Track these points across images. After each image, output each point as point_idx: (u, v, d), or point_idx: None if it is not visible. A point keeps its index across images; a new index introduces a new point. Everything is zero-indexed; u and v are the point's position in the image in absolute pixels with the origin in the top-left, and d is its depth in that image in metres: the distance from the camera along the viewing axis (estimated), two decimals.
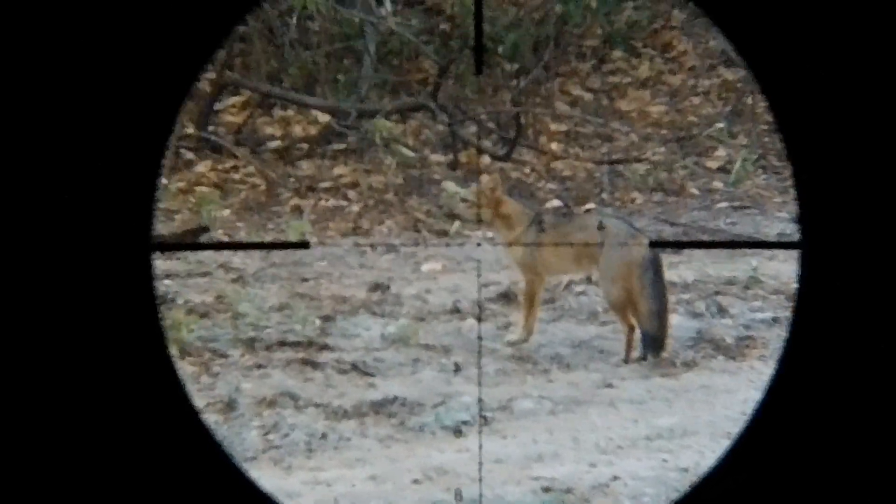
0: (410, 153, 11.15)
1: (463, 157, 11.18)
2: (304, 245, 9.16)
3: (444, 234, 10.00)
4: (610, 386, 7.11)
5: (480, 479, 5.81)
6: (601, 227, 7.61)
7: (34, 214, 4.55)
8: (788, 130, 4.52)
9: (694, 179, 11.05)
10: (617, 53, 13.07)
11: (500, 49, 12.01)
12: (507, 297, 8.41)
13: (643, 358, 7.43)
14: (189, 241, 9.64)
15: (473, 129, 11.81)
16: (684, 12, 13.14)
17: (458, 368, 7.17)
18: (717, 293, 8.37)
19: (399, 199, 10.69)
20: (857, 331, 4.52)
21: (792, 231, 9.86)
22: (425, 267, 9.30)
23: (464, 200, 7.83)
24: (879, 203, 4.47)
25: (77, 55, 4.54)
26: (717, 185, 10.97)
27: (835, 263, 4.50)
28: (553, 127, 12.02)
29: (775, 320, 7.96)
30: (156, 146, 4.62)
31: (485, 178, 8.26)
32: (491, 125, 11.82)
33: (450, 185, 10.71)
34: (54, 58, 4.55)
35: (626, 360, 7.45)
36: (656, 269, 7.52)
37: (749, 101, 12.12)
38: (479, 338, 7.59)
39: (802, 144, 4.50)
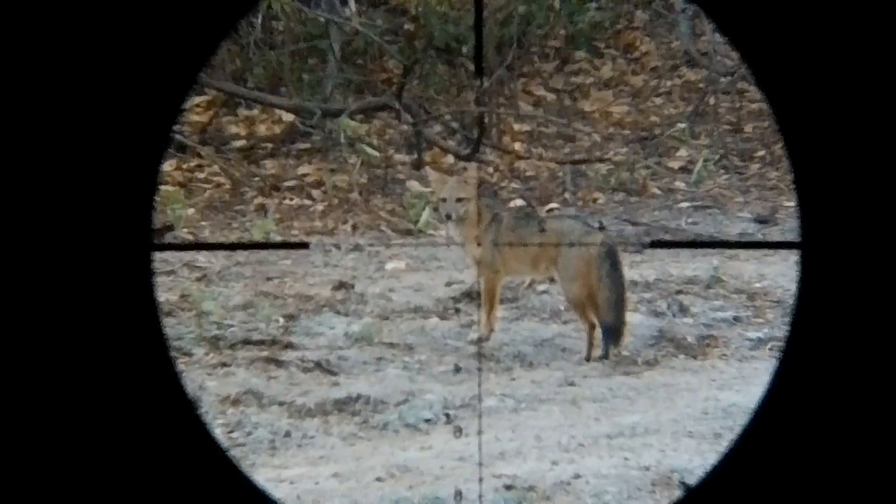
0: (375, 152, 11.17)
1: (427, 157, 11.22)
2: (303, 245, 9.17)
3: (409, 233, 10.03)
4: (572, 384, 7.15)
5: (481, 480, 5.84)
6: (542, 230, 7.66)
7: (34, 214, 4.57)
8: (788, 131, 4.57)
9: (656, 179, 11.11)
10: (580, 54, 13.13)
11: (463, 49, 12.03)
12: (470, 295, 8.43)
13: (605, 356, 7.47)
14: (155, 240, 9.64)
15: (438, 128, 11.85)
16: (647, 13, 13.20)
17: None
18: (679, 292, 8.41)
19: (363, 199, 10.71)
20: (857, 330, 4.57)
21: (753, 231, 9.93)
22: (389, 265, 9.33)
23: (458, 200, 7.79)
24: (879, 203, 4.52)
25: (77, 57, 4.56)
26: (679, 184, 11.03)
27: (835, 263, 4.55)
28: (516, 127, 12.07)
29: (736, 319, 8.01)
30: (155, 146, 4.65)
31: (469, 167, 8.29)
32: (455, 125, 11.86)
33: (414, 185, 10.76)
34: (54, 59, 4.56)
35: (588, 359, 7.50)
36: (613, 260, 7.56)
37: (711, 101, 12.19)
38: (479, 340, 7.68)
39: (802, 145, 4.55)
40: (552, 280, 8.09)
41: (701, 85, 12.64)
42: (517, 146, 11.77)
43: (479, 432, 6.40)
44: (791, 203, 10.38)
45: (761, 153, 11.45)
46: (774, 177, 11.04)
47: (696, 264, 8.91)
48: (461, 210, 7.74)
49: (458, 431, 6.55)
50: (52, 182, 4.57)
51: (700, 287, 8.51)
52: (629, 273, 7.91)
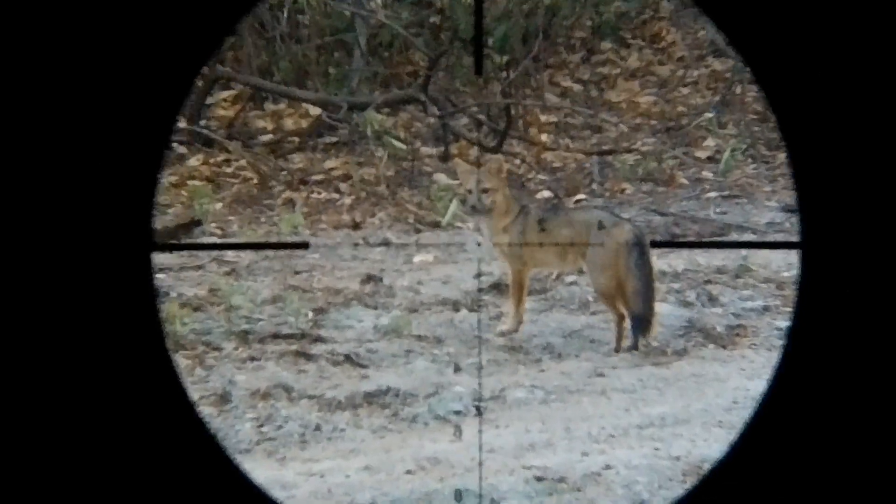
0: (402, 145, 11.18)
1: (454, 150, 11.22)
2: (303, 245, 9.20)
3: (437, 225, 10.03)
4: (601, 375, 7.14)
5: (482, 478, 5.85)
6: (601, 228, 7.65)
7: (34, 213, 4.57)
8: (788, 131, 4.56)
9: (683, 169, 11.08)
10: (606, 45, 13.11)
11: (489, 41, 12.03)
12: (499, 287, 8.44)
13: (634, 347, 7.47)
14: (183, 235, 9.68)
15: (464, 121, 11.85)
16: (672, 3, 13.17)
17: (457, 368, 7.19)
18: (708, 282, 8.40)
19: (391, 192, 10.72)
20: (857, 329, 4.56)
21: (782, 220, 9.90)
22: (417, 258, 9.34)
23: (484, 191, 7.79)
24: (879, 202, 4.51)
25: (77, 56, 4.56)
26: (707, 174, 11.00)
27: (835, 263, 4.54)
28: (543, 118, 12.07)
29: (766, 309, 8.00)
30: (155, 146, 4.65)
31: (493, 159, 8.27)
32: (481, 117, 11.84)
33: (441, 178, 10.77)
34: (54, 58, 4.57)
35: (617, 350, 7.50)
36: (641, 249, 7.55)
37: (738, 90, 12.16)
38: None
39: (802, 144, 4.54)
40: (581, 271, 8.08)
41: (727, 74, 12.60)
42: (544, 137, 11.77)
43: (479, 431, 6.42)
44: None
45: None
46: None
47: (725, 254, 8.88)
48: (487, 201, 7.74)
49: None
50: (52, 182, 4.57)
51: (729, 277, 8.50)
52: (657, 263, 7.89)
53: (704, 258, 8.86)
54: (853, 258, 4.54)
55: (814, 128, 4.53)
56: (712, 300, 8.10)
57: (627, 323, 7.52)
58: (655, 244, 9.26)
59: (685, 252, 9.00)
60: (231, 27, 4.88)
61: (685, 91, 12.52)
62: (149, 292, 4.71)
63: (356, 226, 10.14)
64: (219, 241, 9.93)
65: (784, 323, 7.73)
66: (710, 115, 11.75)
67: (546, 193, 10.66)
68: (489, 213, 7.79)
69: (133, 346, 4.68)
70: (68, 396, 4.64)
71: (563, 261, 7.85)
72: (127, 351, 4.67)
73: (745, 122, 11.76)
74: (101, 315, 4.63)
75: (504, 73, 12.08)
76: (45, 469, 4.66)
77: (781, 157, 11.20)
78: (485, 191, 7.75)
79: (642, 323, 7.50)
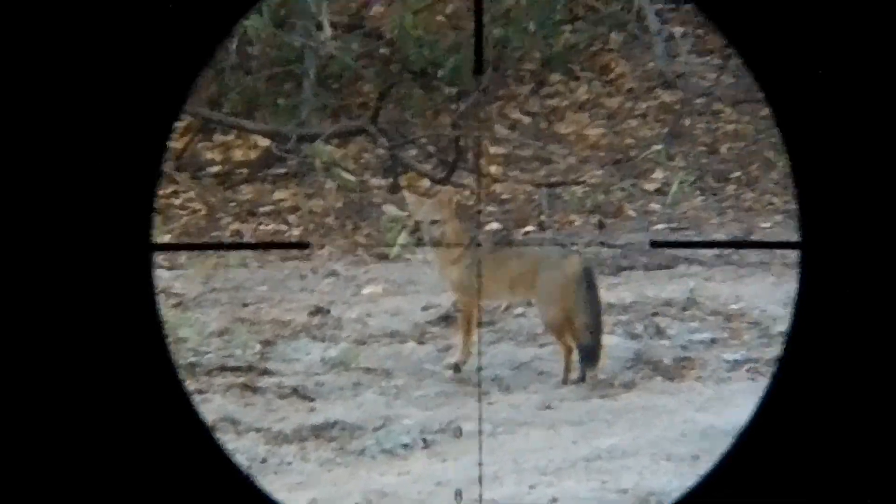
0: (351, 177, 11.16)
1: (403, 181, 11.21)
2: (304, 245, 9.17)
3: (385, 257, 10.01)
4: (549, 408, 7.15)
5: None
6: (520, 255, 7.72)
7: (35, 214, 4.58)
8: (788, 131, 4.58)
9: (631, 201, 11.10)
10: (555, 77, 13.12)
11: (439, 73, 12.03)
12: (448, 319, 8.43)
13: (582, 379, 7.47)
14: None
15: (414, 152, 11.85)
16: (622, 35, 13.21)
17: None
18: (655, 314, 8.41)
19: (339, 223, 10.69)
20: (857, 330, 4.58)
21: (729, 252, 9.92)
22: (366, 290, 9.31)
23: (433, 222, 7.79)
24: (879, 203, 4.53)
25: (77, 58, 4.57)
26: (655, 206, 11.02)
27: (834, 263, 4.56)
28: (492, 150, 12.06)
29: (713, 341, 8.02)
30: (155, 147, 4.66)
31: (444, 190, 8.27)
32: (431, 149, 11.84)
33: (391, 209, 10.75)
34: (54, 62, 4.57)
35: (565, 382, 7.50)
36: (590, 282, 7.59)
37: (686, 122, 12.20)
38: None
39: (802, 145, 4.56)
40: (529, 303, 8.08)
41: (676, 106, 12.63)
42: (493, 169, 11.76)
43: (480, 463, 6.41)
44: (766, 224, 10.40)
45: (737, 174, 11.45)
46: (750, 198, 11.05)
47: (673, 286, 8.91)
48: (436, 232, 7.73)
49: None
50: (52, 184, 4.59)
51: (676, 309, 8.52)
52: (605, 295, 7.90)
53: (652, 290, 8.87)
54: (853, 258, 4.56)
55: (814, 129, 4.55)
56: (660, 332, 8.12)
57: (575, 355, 7.52)
58: (655, 244, 9.32)
59: (633, 284, 9.02)
60: (231, 27, 4.88)
61: (634, 123, 12.54)
62: (149, 292, 4.74)
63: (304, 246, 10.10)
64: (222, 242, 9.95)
65: (732, 355, 7.76)
66: (658, 147, 11.79)
67: (495, 225, 10.66)
68: (438, 244, 7.78)
69: (132, 345, 4.70)
70: (67, 395, 4.68)
71: (512, 293, 7.87)
72: (126, 350, 4.70)
73: (693, 154, 11.79)
74: (101, 315, 4.67)
75: (454, 105, 12.07)
76: (45, 468, 4.69)
77: (730, 188, 11.24)
78: (434, 222, 7.75)
79: (590, 355, 7.51)
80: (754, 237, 10.19)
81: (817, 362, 4.64)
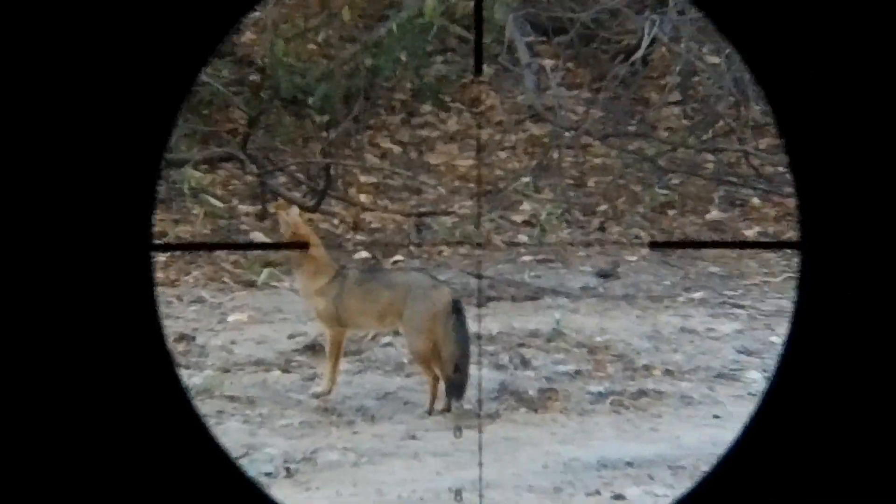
0: (219, 203, 11.10)
1: (272, 208, 11.16)
2: (304, 245, 9.14)
3: (252, 284, 9.95)
4: (414, 438, 7.14)
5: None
6: (389, 284, 7.76)
7: (34, 214, 4.56)
8: (788, 131, 4.62)
9: (500, 233, 11.17)
10: (426, 107, 13.19)
11: (310, 101, 12.02)
12: (314, 348, 8.40)
13: (447, 409, 7.49)
14: None
15: (283, 179, 11.82)
16: (493, 67, 13.29)
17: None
18: (521, 345, 8.46)
19: (207, 250, 10.61)
20: (857, 330, 4.62)
21: (596, 285, 10.01)
22: (231, 318, 9.25)
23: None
24: (879, 203, 4.58)
25: (77, 57, 4.56)
26: (523, 238, 11.10)
27: (834, 263, 4.60)
28: (362, 179, 12.07)
29: (577, 373, 8.07)
30: (155, 147, 4.64)
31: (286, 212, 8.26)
32: (300, 176, 11.83)
33: (258, 236, 10.71)
34: (54, 61, 4.55)
35: (430, 412, 7.50)
36: (458, 313, 7.60)
37: (555, 155, 12.30)
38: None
39: (802, 145, 4.60)
40: (396, 332, 8.09)
41: (545, 139, 12.75)
42: (363, 198, 11.77)
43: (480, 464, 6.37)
44: (633, 258, 10.52)
45: (603, 207, 11.59)
46: (616, 231, 11.17)
47: (539, 318, 8.97)
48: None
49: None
50: (52, 183, 4.58)
51: (542, 340, 8.57)
52: (472, 326, 7.93)
53: (519, 321, 8.92)
54: (852, 258, 4.61)
55: (813, 129, 4.60)
56: (525, 363, 8.16)
57: (441, 385, 7.53)
58: (655, 244, 9.36)
59: (500, 315, 9.07)
60: (230, 28, 4.87)
61: (503, 155, 12.63)
62: (149, 292, 4.72)
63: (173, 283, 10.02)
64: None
65: (596, 388, 7.82)
66: (527, 179, 11.87)
67: (364, 254, 10.66)
68: (300, 265, 7.79)
69: (132, 345, 4.70)
70: (67, 395, 4.67)
71: (380, 322, 7.86)
72: (126, 350, 4.69)
73: (561, 187, 11.90)
74: (100, 315, 4.65)
75: (324, 133, 12.06)
76: (45, 468, 4.67)
77: (596, 221, 11.36)
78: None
79: (456, 386, 7.53)
80: (620, 269, 10.29)
81: (817, 363, 4.69)
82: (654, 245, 8.33)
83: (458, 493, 5.98)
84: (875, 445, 4.72)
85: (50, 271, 4.61)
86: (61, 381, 4.65)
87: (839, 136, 4.63)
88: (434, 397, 7.53)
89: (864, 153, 4.63)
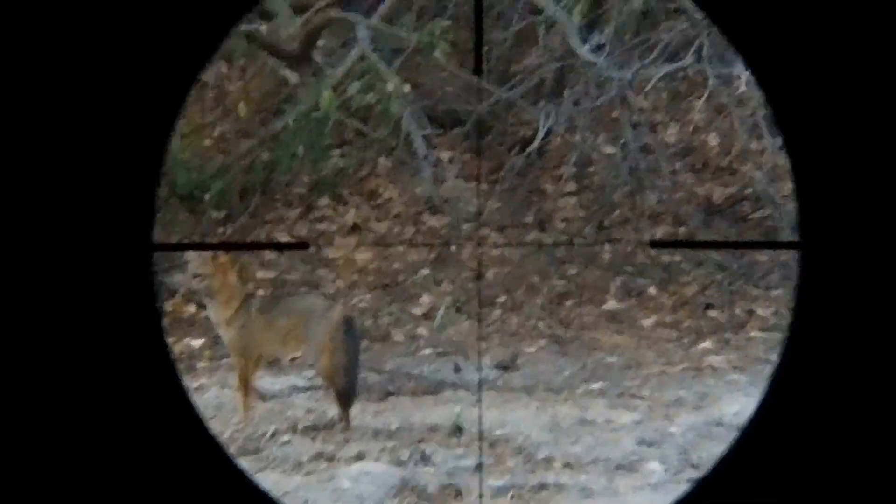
0: None
1: (168, 306, 11.08)
2: (304, 245, 9.12)
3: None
4: None
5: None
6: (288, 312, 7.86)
7: (35, 214, 4.57)
8: (788, 131, 4.65)
9: (399, 326, 11.17)
10: (324, 201, 13.18)
11: (206, 197, 11.98)
12: None
13: (342, 420, 7.99)
14: None
15: (179, 277, 11.72)
16: (390, 160, 13.34)
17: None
18: (421, 440, 8.42)
19: None
20: (856, 330, 4.63)
21: (495, 377, 10.00)
22: None
23: (195, 276, 7.94)
24: (879, 203, 4.61)
25: (78, 56, 4.59)
26: (422, 331, 11.09)
27: (834, 263, 4.62)
28: (260, 274, 12.03)
29: (478, 467, 8.04)
30: (156, 147, 4.66)
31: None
32: None
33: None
34: (54, 61, 4.56)
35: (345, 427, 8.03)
36: (350, 326, 8.13)
37: (453, 248, 12.33)
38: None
39: (802, 145, 4.62)
40: (295, 430, 8.08)
41: (443, 231, 12.78)
42: (261, 293, 11.71)
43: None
44: (531, 349, 10.55)
45: (502, 299, 11.61)
46: (515, 322, 11.20)
47: (439, 412, 8.93)
48: (200, 284, 7.99)
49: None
50: (52, 183, 4.59)
51: (442, 435, 8.54)
52: (372, 421, 7.91)
53: (419, 416, 8.89)
54: (852, 258, 4.62)
55: (813, 128, 4.63)
56: (425, 459, 8.12)
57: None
58: (655, 244, 9.33)
59: (399, 410, 9.03)
60: (230, 28, 4.87)
61: (401, 248, 12.64)
62: (149, 292, 4.77)
63: None
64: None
65: (496, 482, 7.80)
66: (426, 271, 11.88)
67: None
68: (209, 297, 8.09)
69: (132, 345, 4.74)
70: (67, 395, 4.69)
71: (284, 347, 8.26)
72: (126, 350, 4.74)
73: (459, 280, 11.92)
74: (101, 315, 4.70)
75: (221, 229, 12.01)
76: (44, 468, 4.70)
77: (496, 313, 11.38)
78: (195, 276, 8.09)
79: (346, 396, 8.06)
80: (519, 361, 10.30)
81: (816, 363, 4.70)
82: (654, 244, 8.31)
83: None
84: (875, 445, 4.76)
85: (51, 271, 4.70)
86: (62, 381, 4.73)
87: (838, 135, 4.70)
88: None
89: (863, 153, 4.70)
